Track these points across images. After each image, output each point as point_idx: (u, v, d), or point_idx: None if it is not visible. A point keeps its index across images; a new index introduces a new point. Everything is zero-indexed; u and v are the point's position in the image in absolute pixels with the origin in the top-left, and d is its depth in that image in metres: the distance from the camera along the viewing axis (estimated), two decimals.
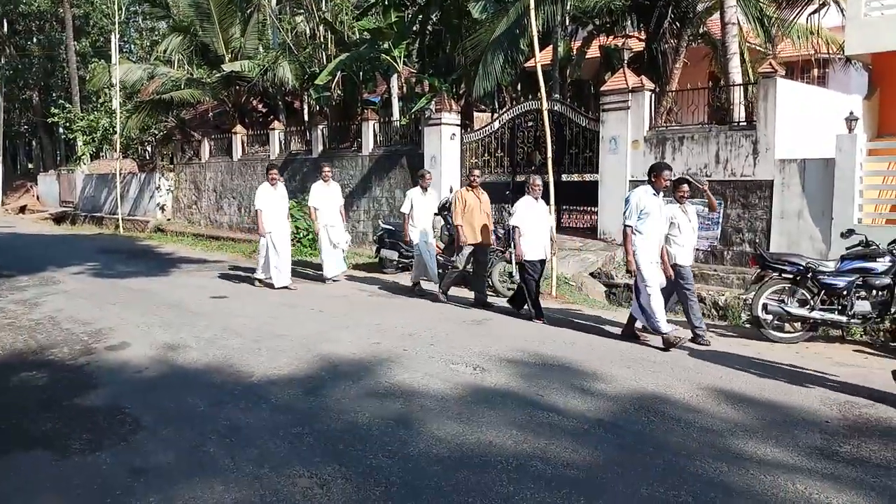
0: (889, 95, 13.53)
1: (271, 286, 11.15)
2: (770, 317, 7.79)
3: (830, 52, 16.11)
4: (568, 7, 14.05)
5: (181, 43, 22.73)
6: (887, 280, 7.41)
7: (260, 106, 26.06)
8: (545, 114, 10.93)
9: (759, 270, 8.20)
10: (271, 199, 11.19)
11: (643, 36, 16.27)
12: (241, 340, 7.45)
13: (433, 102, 15.58)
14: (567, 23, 17.67)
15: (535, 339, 7.64)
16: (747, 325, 8.48)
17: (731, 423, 5.06)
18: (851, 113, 9.95)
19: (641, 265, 7.26)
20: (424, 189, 10.62)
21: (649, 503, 3.80)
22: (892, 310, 7.48)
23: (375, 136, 17.49)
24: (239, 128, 21.98)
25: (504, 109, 15.25)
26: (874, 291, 7.46)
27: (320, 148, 18.88)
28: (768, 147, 10.61)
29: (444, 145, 15.01)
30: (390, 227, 12.94)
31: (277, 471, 4.18)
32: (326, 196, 11.57)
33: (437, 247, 12.39)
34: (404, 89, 19.78)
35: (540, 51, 11.56)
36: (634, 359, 6.86)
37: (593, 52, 18.80)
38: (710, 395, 5.71)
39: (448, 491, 3.92)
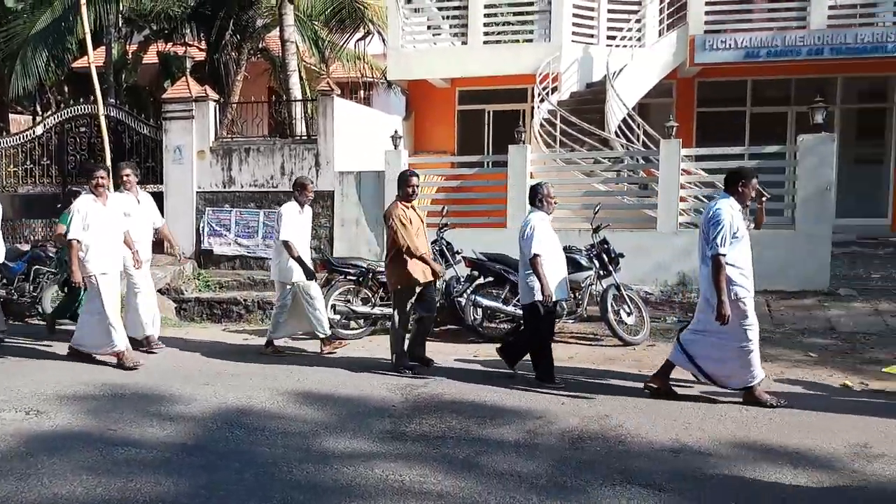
0: (422, 117, 15.73)
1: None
2: (338, 316, 8.38)
3: (375, 76, 18.00)
4: (122, 7, 13.07)
5: None
6: None
7: None
8: (102, 119, 10.00)
9: (326, 274, 8.76)
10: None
11: (204, 46, 16.03)
12: None
13: None
14: (121, 24, 16.44)
15: (89, 366, 6.94)
16: None
17: (312, 424, 5.30)
18: (396, 132, 11.25)
19: (748, 306, 5.57)
20: (302, 205, 7.70)
21: None
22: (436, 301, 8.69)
23: None
24: None
25: (50, 113, 13.50)
26: None
27: None
28: (329, 160, 11.38)
29: None
30: None
31: None
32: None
33: None
34: None
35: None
36: (211, 374, 6.71)
37: (151, 57, 17.85)
38: (290, 399, 5.88)
39: None
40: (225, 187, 11.78)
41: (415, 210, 6.86)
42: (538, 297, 6.19)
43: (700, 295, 5.84)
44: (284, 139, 12.16)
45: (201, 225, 11.78)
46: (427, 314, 6.98)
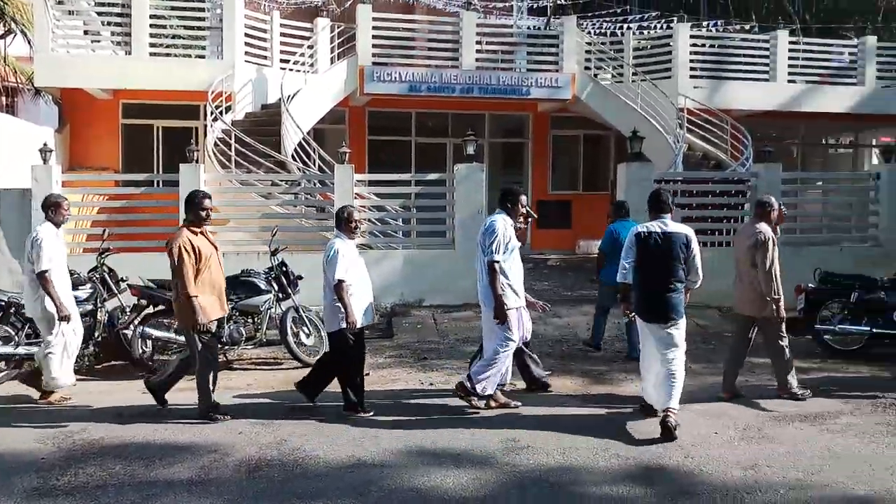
0: (79, 130, 14.22)
1: None
2: None
3: (20, 81, 15.83)
4: None
5: None
6: (90, 306, 7.77)
7: None
8: None
9: None
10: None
11: None
12: None
13: None
14: None
15: None
16: None
17: None
18: (46, 144, 10.01)
19: (512, 317, 5.90)
20: (58, 226, 6.59)
21: None
22: (96, 335, 7.86)
23: None
24: None
25: None
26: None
27: None
28: None
29: None
30: None
31: None
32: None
33: None
34: None
35: None
36: None
37: None
38: None
39: None
40: None
41: (206, 237, 6.01)
42: (344, 323, 5.89)
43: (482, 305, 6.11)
44: None
45: None
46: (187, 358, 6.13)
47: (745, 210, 11.00)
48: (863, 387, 6.97)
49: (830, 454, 5.09)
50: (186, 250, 5.76)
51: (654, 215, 5.82)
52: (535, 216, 6.52)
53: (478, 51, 14.60)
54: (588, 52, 15.33)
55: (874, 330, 8.04)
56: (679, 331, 5.67)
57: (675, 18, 17.83)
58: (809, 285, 8.41)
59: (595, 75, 15.17)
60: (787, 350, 6.47)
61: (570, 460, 4.96)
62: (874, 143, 18.70)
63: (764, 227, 6.39)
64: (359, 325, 5.94)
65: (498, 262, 5.81)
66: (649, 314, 5.72)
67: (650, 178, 10.43)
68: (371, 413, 5.97)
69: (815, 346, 8.22)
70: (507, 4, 19.31)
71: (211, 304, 5.88)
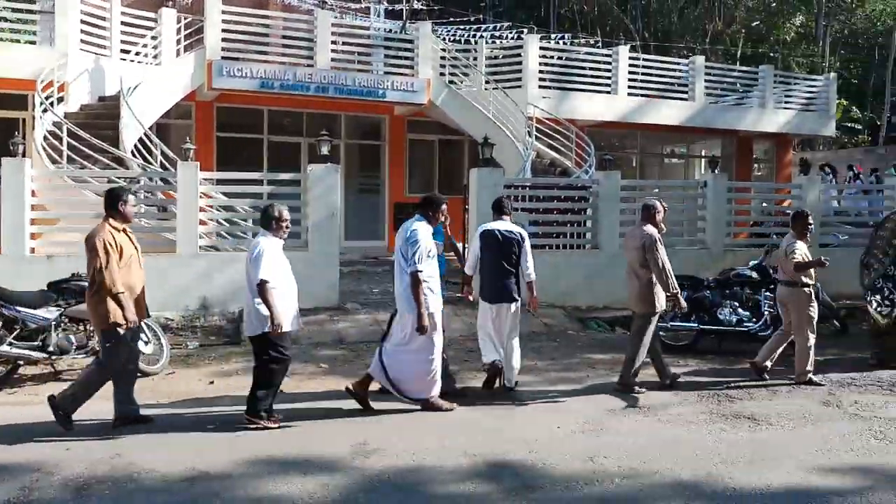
0: None
1: None
2: None
3: None
4: None
5: None
6: None
7: None
8: None
9: None
10: None
11: None
12: None
13: None
14: None
15: None
16: None
17: None
18: None
19: (436, 319, 6.07)
20: None
21: None
22: None
23: None
24: None
25: None
26: None
27: None
28: None
29: None
30: None
31: None
32: None
33: None
34: None
35: None
36: None
37: None
38: None
39: None
40: None
41: (128, 235, 5.69)
42: (268, 327, 5.50)
43: (398, 310, 6.19)
44: None
45: None
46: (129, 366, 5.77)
47: (587, 214, 11.57)
48: (692, 377, 7.53)
49: (661, 442, 5.44)
50: (110, 245, 5.46)
51: (495, 217, 6.92)
52: (449, 219, 6.80)
53: (333, 51, 14.45)
54: (443, 58, 15.57)
55: (701, 326, 8.73)
56: (517, 310, 6.74)
57: (526, 30, 18.55)
58: None
59: (450, 82, 15.44)
60: (644, 349, 6.84)
61: (418, 461, 4.98)
62: (703, 153, 20.35)
63: (650, 228, 6.84)
64: (286, 329, 5.64)
65: (421, 271, 5.86)
66: (493, 297, 6.72)
67: (500, 183, 10.72)
68: (277, 420, 5.71)
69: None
70: (363, 6, 19.25)
71: (132, 307, 5.55)
